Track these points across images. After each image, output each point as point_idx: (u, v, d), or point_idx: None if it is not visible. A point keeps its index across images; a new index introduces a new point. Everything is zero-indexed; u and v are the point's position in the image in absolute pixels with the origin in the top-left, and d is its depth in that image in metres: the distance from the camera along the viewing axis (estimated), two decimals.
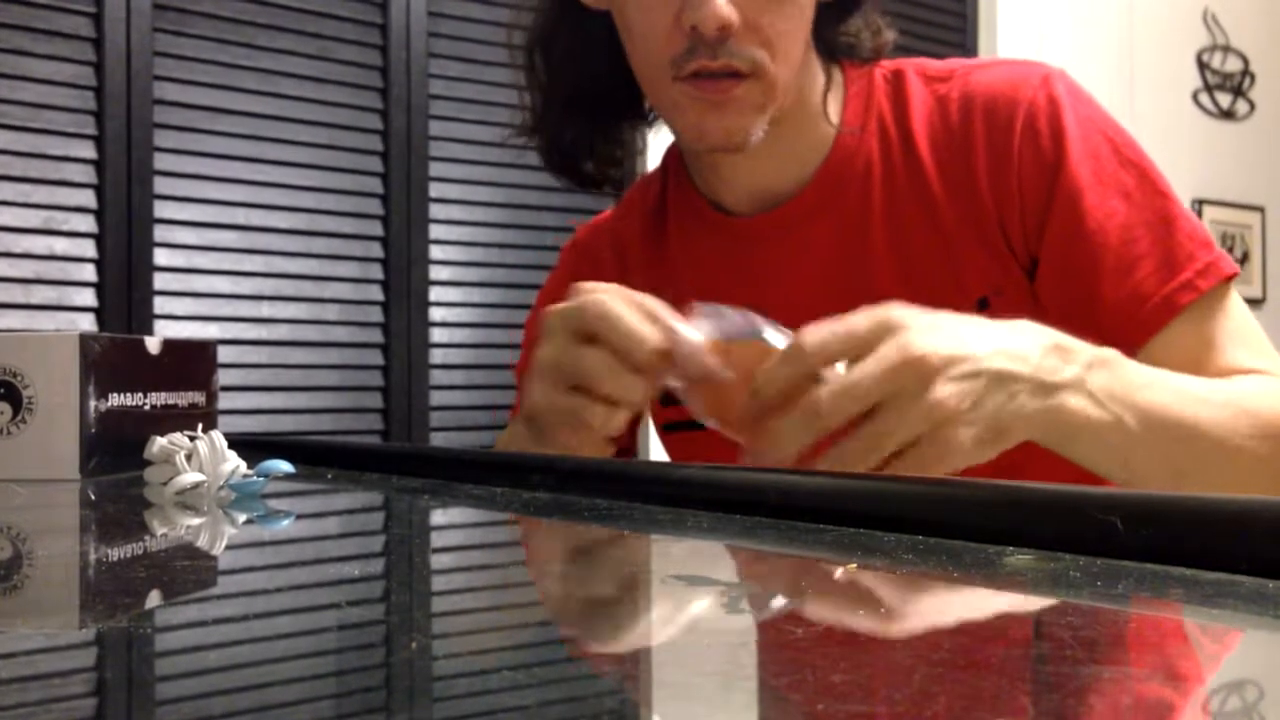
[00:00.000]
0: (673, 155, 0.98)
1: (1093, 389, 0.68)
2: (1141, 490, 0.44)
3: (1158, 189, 0.84)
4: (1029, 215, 0.84)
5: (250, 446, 0.72)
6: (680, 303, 0.97)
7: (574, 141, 0.95)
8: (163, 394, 0.82)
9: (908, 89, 0.90)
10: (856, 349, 0.63)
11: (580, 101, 0.94)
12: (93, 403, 0.74)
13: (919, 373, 0.61)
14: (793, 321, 0.67)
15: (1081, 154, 0.83)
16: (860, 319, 0.64)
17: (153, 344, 0.82)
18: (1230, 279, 0.83)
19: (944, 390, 0.62)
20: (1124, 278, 0.82)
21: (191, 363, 0.86)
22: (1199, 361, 0.81)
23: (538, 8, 0.95)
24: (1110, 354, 0.71)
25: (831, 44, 0.91)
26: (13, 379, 0.74)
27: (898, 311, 0.64)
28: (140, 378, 0.80)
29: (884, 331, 0.63)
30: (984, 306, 0.84)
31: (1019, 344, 0.66)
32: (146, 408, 0.80)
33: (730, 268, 0.93)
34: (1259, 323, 0.86)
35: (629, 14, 0.84)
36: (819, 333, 0.63)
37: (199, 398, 0.87)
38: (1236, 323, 0.83)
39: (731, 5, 0.79)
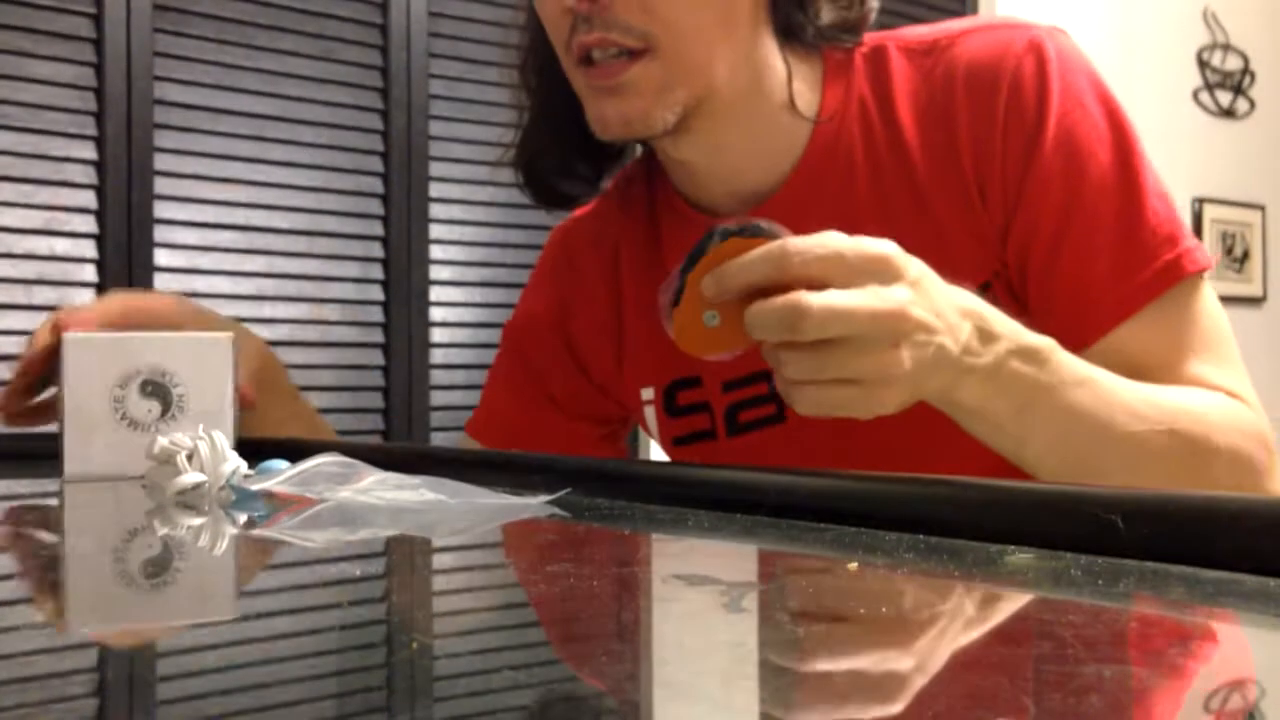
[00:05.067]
0: (653, 154, 0.94)
1: (1003, 377, 0.67)
2: (1143, 489, 0.44)
3: (1135, 172, 0.79)
4: (1009, 185, 0.80)
5: (250, 446, 0.71)
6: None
7: (553, 161, 0.92)
8: None
9: (890, 67, 0.84)
10: (840, 274, 0.61)
11: (557, 119, 0.90)
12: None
13: (896, 327, 0.61)
14: None
15: (1061, 128, 0.79)
16: (854, 246, 0.62)
17: None
18: (1198, 274, 0.78)
19: (905, 353, 0.62)
20: (1082, 269, 0.78)
21: None
22: (1155, 367, 0.76)
23: (524, 25, 0.92)
24: (1045, 345, 0.69)
25: (788, 29, 0.84)
26: (161, 379, 0.76)
27: (893, 251, 0.63)
28: None
29: (877, 268, 0.62)
30: (986, 289, 0.80)
31: (958, 319, 0.65)
32: None
33: None
34: (1258, 322, 0.83)
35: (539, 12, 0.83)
36: (808, 242, 0.62)
37: None
38: (1200, 327, 0.78)
39: None
